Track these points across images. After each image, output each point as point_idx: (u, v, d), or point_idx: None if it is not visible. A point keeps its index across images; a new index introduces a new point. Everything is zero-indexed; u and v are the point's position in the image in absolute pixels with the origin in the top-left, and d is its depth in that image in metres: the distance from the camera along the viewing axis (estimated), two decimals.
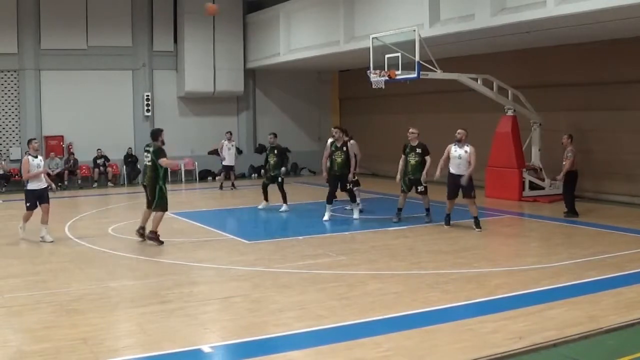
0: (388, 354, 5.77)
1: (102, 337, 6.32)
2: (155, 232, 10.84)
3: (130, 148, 22.09)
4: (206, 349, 6.00)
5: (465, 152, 11.92)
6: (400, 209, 12.97)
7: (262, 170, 19.49)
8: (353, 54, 18.39)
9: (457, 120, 17.76)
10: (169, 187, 11.33)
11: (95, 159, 21.56)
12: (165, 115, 22.81)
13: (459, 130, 12.10)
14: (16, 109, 21.09)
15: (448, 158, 12.09)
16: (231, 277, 8.83)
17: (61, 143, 21.48)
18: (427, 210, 12.94)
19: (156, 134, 11.18)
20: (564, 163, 13.38)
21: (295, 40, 20.89)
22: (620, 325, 6.45)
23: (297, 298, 7.63)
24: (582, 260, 9.40)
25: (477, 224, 11.92)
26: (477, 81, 15.70)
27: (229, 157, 19.79)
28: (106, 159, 21.71)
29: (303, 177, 23.81)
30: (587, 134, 15.77)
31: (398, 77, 14.34)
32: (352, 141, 13.65)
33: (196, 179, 22.94)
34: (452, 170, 12.07)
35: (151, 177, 10.91)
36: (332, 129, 13.87)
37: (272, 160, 14.97)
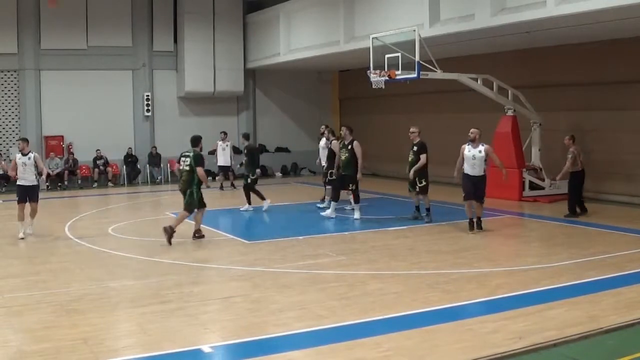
0: (388, 354, 5.78)
1: (102, 337, 6.32)
2: (172, 227, 10.88)
3: (130, 148, 22.10)
4: (206, 349, 6.00)
5: (480, 152, 11.58)
6: (417, 207, 13.19)
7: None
8: (353, 54, 18.39)
9: (457, 120, 17.73)
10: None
11: (95, 159, 21.57)
12: (165, 116, 22.86)
13: (472, 130, 11.70)
14: (16, 109, 21.09)
15: (463, 159, 11.71)
16: (231, 277, 8.84)
17: (61, 143, 21.48)
18: (427, 210, 12.96)
19: (197, 141, 11.45)
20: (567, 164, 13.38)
21: (295, 40, 20.88)
22: (620, 325, 6.45)
23: (297, 298, 7.64)
24: (582, 260, 9.40)
25: (479, 225, 11.88)
26: (477, 81, 15.69)
27: (223, 158, 19.74)
28: (105, 160, 21.70)
29: (303, 177, 23.80)
30: (587, 134, 15.75)
31: (398, 77, 14.33)
32: (355, 142, 13.70)
33: None
34: (467, 171, 11.71)
35: (186, 181, 11.18)
36: (341, 127, 14.08)
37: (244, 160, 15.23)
